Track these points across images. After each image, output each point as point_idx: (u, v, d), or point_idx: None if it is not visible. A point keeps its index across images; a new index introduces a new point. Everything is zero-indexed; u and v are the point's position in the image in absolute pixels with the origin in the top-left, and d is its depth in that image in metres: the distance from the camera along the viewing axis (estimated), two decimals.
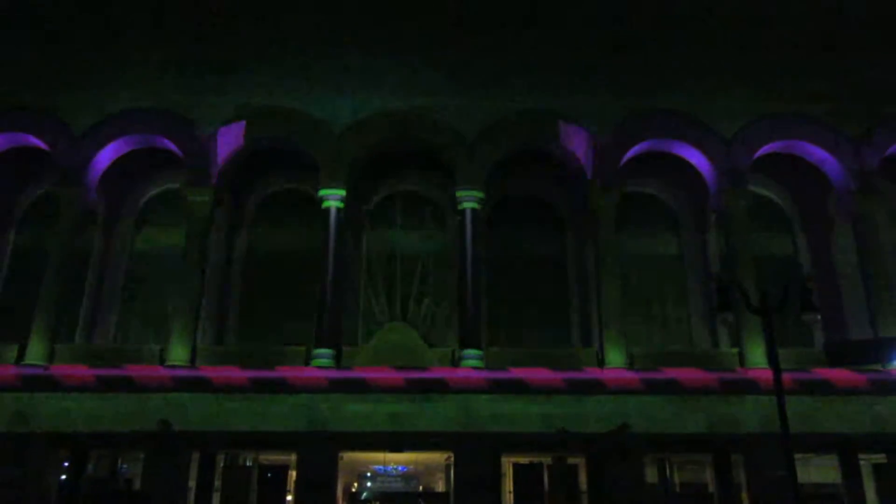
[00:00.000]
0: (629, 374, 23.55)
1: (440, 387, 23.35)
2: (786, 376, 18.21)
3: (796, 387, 22.70)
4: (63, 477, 23.62)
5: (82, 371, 23.12)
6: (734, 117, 26.46)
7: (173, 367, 23.26)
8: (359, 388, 23.24)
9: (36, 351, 23.37)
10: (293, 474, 23.88)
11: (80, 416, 22.73)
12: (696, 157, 26.57)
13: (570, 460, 24.12)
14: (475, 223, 25.52)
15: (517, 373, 23.53)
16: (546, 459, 24.17)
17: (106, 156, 25.99)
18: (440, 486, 26.55)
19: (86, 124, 25.67)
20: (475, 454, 22.94)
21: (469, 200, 25.58)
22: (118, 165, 26.43)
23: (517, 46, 27.32)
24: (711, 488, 24.21)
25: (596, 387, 23.45)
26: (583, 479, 23.91)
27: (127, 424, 22.61)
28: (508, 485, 24.00)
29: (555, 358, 24.20)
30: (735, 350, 24.43)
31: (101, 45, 27.01)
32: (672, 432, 23.00)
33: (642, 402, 23.28)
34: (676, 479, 24.80)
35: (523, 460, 24.36)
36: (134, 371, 23.17)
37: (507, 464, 24.16)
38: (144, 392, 22.96)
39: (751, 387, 23.24)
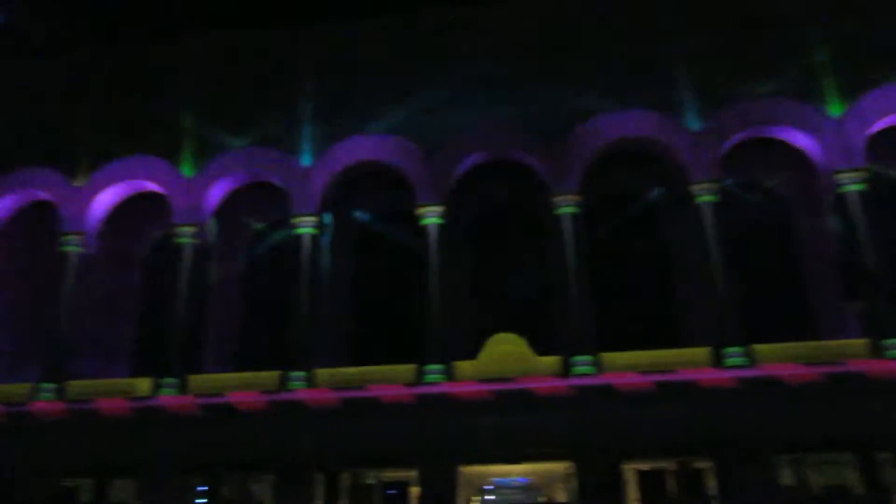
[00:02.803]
0: (750, 373, 22.38)
1: (553, 395, 23.02)
2: None
3: None
4: (199, 501, 24.87)
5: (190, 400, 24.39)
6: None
7: (291, 391, 24.05)
8: (471, 400, 23.27)
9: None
10: (414, 490, 24.16)
11: (206, 444, 23.93)
12: (804, 140, 25.11)
13: (696, 465, 23.16)
14: (576, 227, 25.09)
15: (631, 377, 22.86)
16: (670, 465, 23.31)
17: (216, 193, 27.41)
18: (562, 496, 26.08)
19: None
20: (595, 462, 22.49)
21: (566, 205, 25.22)
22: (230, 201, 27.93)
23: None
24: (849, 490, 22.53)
25: (714, 388, 22.42)
26: (711, 483, 22.87)
27: (252, 449, 23.64)
28: (633, 492, 23.30)
29: (667, 360, 23.30)
30: (866, 341, 22.65)
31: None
32: (804, 431, 21.66)
33: (767, 400, 22.07)
34: (813, 481, 23.25)
35: (646, 466, 23.60)
36: (239, 398, 24.17)
37: (630, 471, 23.49)
38: (259, 418, 23.94)
39: None
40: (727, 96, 25.42)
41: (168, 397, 24.46)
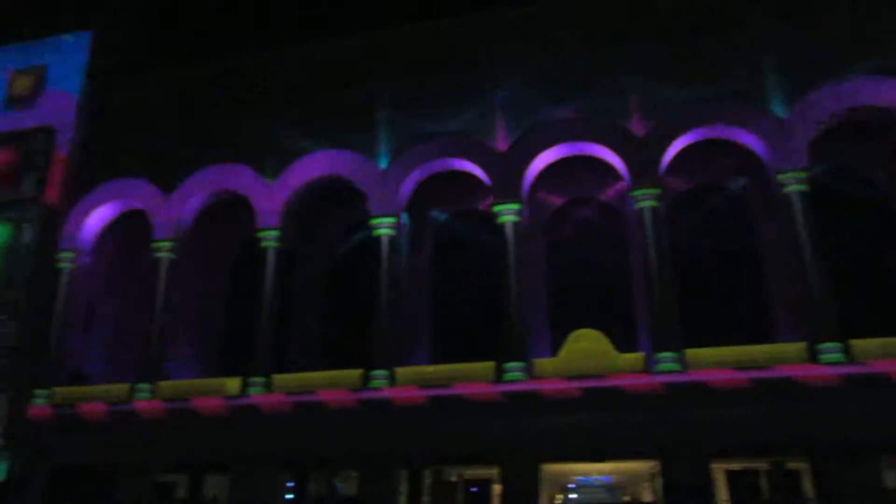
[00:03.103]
0: (847, 370, 21.29)
1: (635, 393, 22.57)
2: None
3: None
4: (288, 497, 25.63)
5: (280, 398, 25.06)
6: None
7: (375, 389, 24.40)
8: (552, 398, 23.10)
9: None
10: (497, 487, 24.16)
11: (294, 441, 24.58)
12: None
13: (791, 465, 22.21)
14: (655, 221, 24.46)
15: (720, 374, 22.14)
16: (762, 465, 22.45)
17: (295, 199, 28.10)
18: (647, 496, 25.54)
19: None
20: (683, 461, 21.87)
21: (645, 199, 24.61)
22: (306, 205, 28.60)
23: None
24: None
25: (811, 386, 21.44)
26: (807, 484, 21.91)
27: (342, 447, 24.20)
28: (722, 492, 22.56)
29: (757, 357, 22.39)
30: None
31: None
32: None
33: (869, 398, 20.94)
34: None
35: (737, 466, 22.80)
36: (325, 396, 24.68)
37: (719, 470, 22.74)
38: (344, 415, 24.43)
39: None
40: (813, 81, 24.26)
41: (260, 395, 25.24)
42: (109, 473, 25.77)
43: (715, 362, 22.52)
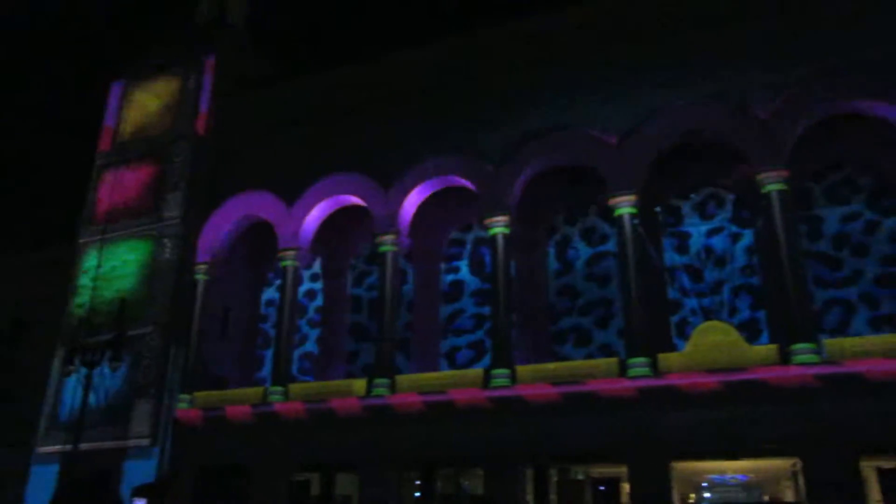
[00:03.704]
0: None
1: (770, 387, 21.53)
2: None
3: None
4: (417, 494, 26.14)
5: (413, 398, 25.50)
6: None
7: (496, 388, 24.49)
8: (680, 394, 22.42)
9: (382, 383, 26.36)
10: (626, 486, 23.66)
11: (421, 440, 25.05)
12: None
13: None
14: (784, 206, 23.23)
15: (857, 366, 20.75)
16: None
17: (410, 203, 28.68)
18: (788, 495, 24.24)
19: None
20: (827, 459, 20.62)
21: (773, 182, 23.40)
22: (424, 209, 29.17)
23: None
24: None
25: None
26: None
27: (466, 446, 24.40)
28: (873, 492, 21.11)
29: None
30: None
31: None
32: None
33: None
34: None
35: (890, 464, 21.27)
36: (465, 395, 24.89)
37: (869, 468, 21.29)
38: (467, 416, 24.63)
39: None
40: None
41: (387, 396, 25.88)
42: (249, 472, 27.13)
43: (855, 353, 21.13)
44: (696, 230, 26.83)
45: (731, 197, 26.82)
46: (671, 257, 26.64)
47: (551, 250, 29.15)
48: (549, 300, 28.39)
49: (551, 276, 28.81)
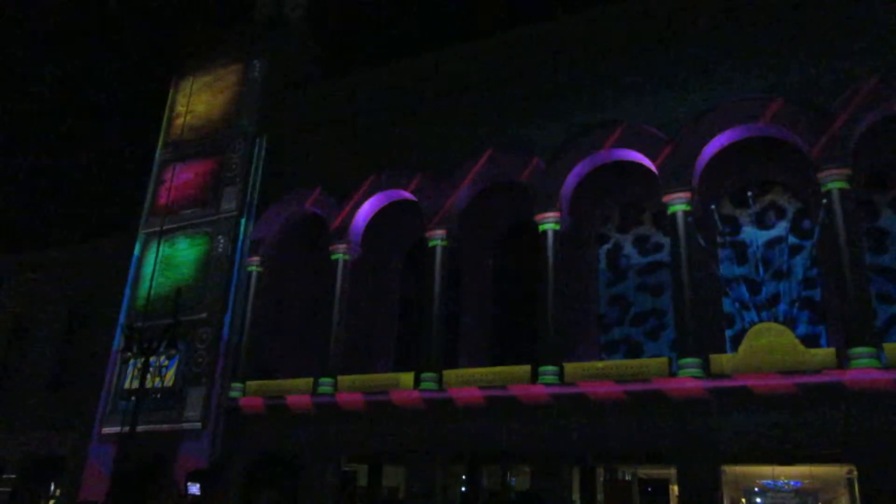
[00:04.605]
0: None
1: (827, 391, 20.99)
2: None
3: None
4: (463, 489, 26.26)
5: (472, 392, 25.53)
6: None
7: (547, 384, 24.43)
8: (733, 396, 22.02)
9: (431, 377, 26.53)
10: (674, 489, 23.35)
11: (467, 435, 25.12)
12: None
13: None
14: (844, 204, 22.58)
15: None
16: None
17: (463, 196, 28.80)
18: (845, 503, 23.64)
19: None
20: (883, 466, 20.02)
21: (834, 179, 22.77)
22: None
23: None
24: None
25: None
26: None
27: (513, 442, 24.40)
28: None
29: None
30: None
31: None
32: None
33: None
34: None
35: None
36: (516, 390, 24.84)
37: None
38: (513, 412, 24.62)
39: None
40: None
41: (434, 391, 26.03)
42: (299, 461, 27.60)
43: None
44: (754, 239, 26.08)
45: (790, 207, 26.12)
46: (728, 269, 25.97)
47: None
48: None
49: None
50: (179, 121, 37.13)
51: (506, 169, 27.90)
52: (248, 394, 29.49)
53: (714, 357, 22.97)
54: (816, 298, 25.05)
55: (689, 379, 22.65)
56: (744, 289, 25.04)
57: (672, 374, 23.12)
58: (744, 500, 25.22)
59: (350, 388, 27.67)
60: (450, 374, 26.50)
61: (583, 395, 23.90)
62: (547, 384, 24.42)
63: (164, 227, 34.28)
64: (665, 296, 27.01)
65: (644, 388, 23.12)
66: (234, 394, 29.67)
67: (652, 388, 23.03)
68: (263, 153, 34.10)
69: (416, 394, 26.24)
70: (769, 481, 24.63)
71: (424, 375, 26.49)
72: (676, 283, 24.24)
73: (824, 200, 22.81)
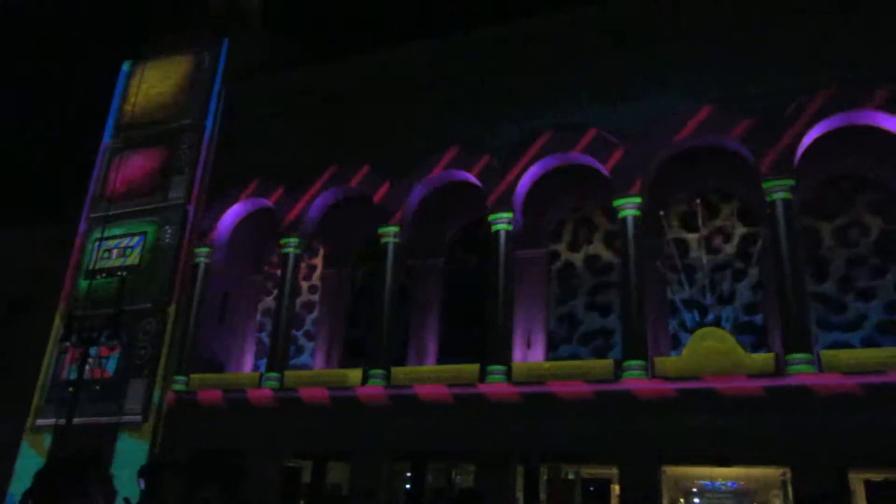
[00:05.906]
0: None
1: (764, 395, 21.58)
2: None
3: None
4: (407, 486, 26.21)
5: (420, 390, 25.47)
6: None
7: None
8: (674, 398, 22.47)
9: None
10: (616, 488, 23.72)
11: (411, 433, 25.05)
12: None
13: None
14: (788, 215, 23.27)
15: (851, 378, 20.84)
16: None
17: (416, 196, 28.71)
18: None
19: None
20: (816, 469, 20.67)
21: (779, 190, 23.44)
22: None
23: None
24: None
25: None
26: None
27: (458, 441, 24.45)
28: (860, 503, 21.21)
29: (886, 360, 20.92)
30: None
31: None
32: None
33: None
34: None
35: (877, 477, 21.35)
36: (464, 389, 24.88)
37: (857, 480, 21.38)
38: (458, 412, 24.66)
39: None
40: None
41: (381, 387, 25.88)
42: (241, 457, 27.16)
43: (850, 365, 21.19)
44: (697, 236, 26.70)
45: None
46: (674, 276, 26.52)
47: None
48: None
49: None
50: (129, 108, 36.13)
51: (461, 168, 27.93)
52: (192, 387, 28.92)
53: (658, 360, 23.48)
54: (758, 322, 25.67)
55: (633, 380, 23.02)
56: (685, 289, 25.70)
57: (617, 377, 23.45)
58: (682, 500, 25.77)
59: (296, 384, 27.38)
60: (398, 372, 26.45)
61: (528, 395, 24.08)
62: (492, 383, 24.54)
63: (110, 214, 33.32)
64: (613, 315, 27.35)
65: (589, 389, 23.41)
66: (177, 387, 29.06)
67: (597, 389, 23.33)
68: (214, 144, 33.49)
69: (363, 390, 26.09)
70: (707, 482, 25.23)
71: (372, 372, 26.37)
72: (623, 285, 24.63)
73: (768, 211, 23.50)
